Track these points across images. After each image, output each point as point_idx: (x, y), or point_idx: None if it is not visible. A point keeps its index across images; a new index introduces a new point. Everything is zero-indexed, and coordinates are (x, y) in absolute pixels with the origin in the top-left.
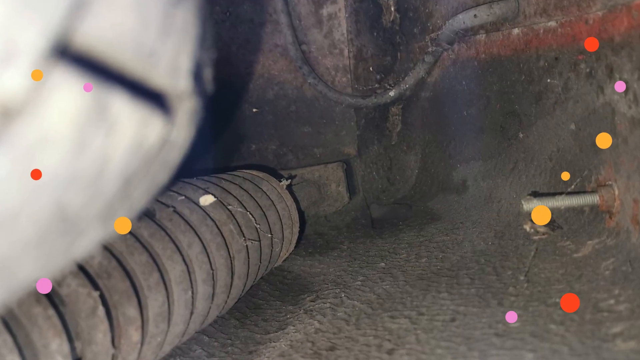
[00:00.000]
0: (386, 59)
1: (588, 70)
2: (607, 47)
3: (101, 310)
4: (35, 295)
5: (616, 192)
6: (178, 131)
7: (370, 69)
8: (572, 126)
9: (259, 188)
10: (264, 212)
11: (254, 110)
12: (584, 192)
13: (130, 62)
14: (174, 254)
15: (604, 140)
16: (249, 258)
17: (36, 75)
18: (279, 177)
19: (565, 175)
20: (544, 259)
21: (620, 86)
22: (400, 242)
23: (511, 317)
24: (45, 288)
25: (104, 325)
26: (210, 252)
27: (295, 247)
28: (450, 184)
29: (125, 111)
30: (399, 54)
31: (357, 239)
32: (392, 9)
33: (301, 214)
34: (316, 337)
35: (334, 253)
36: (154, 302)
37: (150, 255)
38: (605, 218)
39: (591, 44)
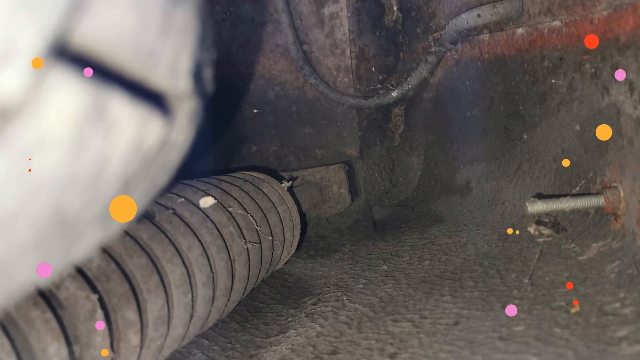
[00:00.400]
0: (388, 59)
1: (593, 70)
2: (612, 47)
3: (100, 313)
4: (33, 299)
5: (621, 194)
6: (178, 132)
7: (373, 69)
8: (577, 127)
9: (260, 190)
10: (264, 214)
11: (255, 111)
12: (589, 194)
13: (129, 62)
14: (174, 256)
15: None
16: (249, 261)
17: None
18: (280, 179)
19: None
20: (548, 261)
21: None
22: (402, 245)
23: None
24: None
25: (102, 329)
26: (210, 255)
27: (296, 249)
28: (453, 185)
29: (124, 112)
30: (401, 54)
31: (359, 241)
32: (395, 8)
33: (302, 216)
34: (318, 341)
35: (335, 256)
36: (154, 305)
37: (150, 257)
38: (611, 220)
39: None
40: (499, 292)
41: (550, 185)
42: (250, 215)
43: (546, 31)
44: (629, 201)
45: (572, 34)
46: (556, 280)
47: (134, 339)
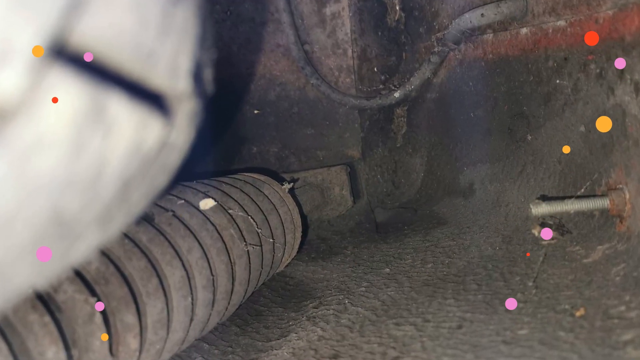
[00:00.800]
0: (391, 59)
1: (598, 70)
2: (617, 47)
3: (98, 317)
4: (31, 302)
5: (627, 196)
6: (177, 133)
7: (375, 69)
8: (582, 128)
9: (261, 192)
10: (265, 216)
11: (256, 111)
12: (594, 195)
13: (128, 62)
14: (173, 259)
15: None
16: (250, 263)
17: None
18: (281, 181)
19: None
20: (552, 264)
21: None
22: (405, 247)
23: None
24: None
25: (101, 333)
26: (210, 258)
27: (297, 252)
28: (456, 187)
29: (124, 113)
30: (404, 54)
31: (361, 244)
32: (397, 7)
33: (304, 218)
34: (319, 345)
35: (337, 258)
36: (153, 308)
37: (149, 260)
38: (616, 222)
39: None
40: (502, 295)
41: (555, 187)
42: (251, 218)
43: (550, 31)
44: (635, 203)
45: (576, 33)
46: (561, 283)
47: (133, 342)
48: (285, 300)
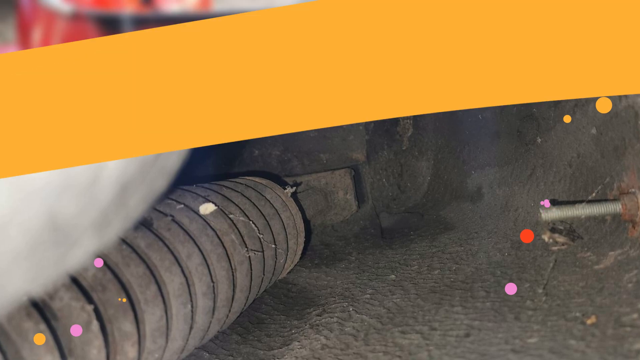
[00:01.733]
0: None
1: None
2: None
3: (95, 324)
4: (25, 309)
5: None
6: None
7: None
8: (593, 130)
9: (262, 196)
10: (267, 221)
11: None
12: (606, 200)
13: None
14: (173, 265)
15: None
16: (251, 270)
17: None
18: (283, 184)
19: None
20: (563, 270)
21: None
22: (411, 253)
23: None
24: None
25: (98, 341)
26: (210, 264)
27: (300, 258)
28: (464, 191)
29: None
30: None
31: (366, 249)
32: None
33: (307, 223)
34: (323, 354)
35: (341, 264)
36: (151, 316)
37: (148, 266)
38: (628, 227)
39: None
40: (511, 303)
41: (565, 191)
42: (252, 223)
43: None
44: None
45: None
46: (571, 290)
47: (131, 351)
48: (287, 307)
